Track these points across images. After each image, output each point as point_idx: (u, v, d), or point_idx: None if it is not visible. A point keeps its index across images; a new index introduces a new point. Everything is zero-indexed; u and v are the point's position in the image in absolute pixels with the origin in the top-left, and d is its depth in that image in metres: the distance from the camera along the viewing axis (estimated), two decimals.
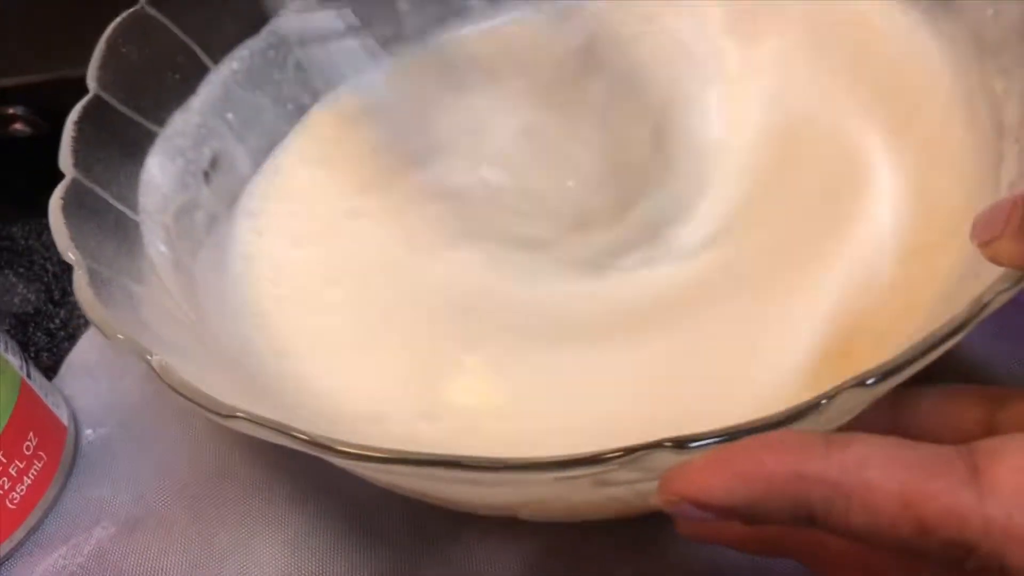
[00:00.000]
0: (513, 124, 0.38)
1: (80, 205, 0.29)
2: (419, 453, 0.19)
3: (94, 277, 0.26)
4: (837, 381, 0.20)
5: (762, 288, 0.31)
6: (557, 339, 0.31)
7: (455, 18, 0.43)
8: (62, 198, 0.28)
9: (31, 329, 0.41)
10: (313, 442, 0.20)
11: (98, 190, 0.30)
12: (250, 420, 0.21)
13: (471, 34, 0.43)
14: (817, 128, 0.34)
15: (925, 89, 0.33)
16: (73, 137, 0.30)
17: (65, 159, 0.29)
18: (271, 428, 0.20)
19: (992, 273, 0.22)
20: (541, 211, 0.36)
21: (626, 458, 0.20)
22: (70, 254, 0.26)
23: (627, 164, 0.36)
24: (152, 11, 0.35)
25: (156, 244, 0.31)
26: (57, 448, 0.34)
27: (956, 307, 0.21)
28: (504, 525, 0.30)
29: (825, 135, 0.34)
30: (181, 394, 0.22)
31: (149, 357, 0.23)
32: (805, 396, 0.20)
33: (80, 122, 0.31)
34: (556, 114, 0.38)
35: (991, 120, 0.31)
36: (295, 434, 0.20)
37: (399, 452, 0.20)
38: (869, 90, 0.34)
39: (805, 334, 0.29)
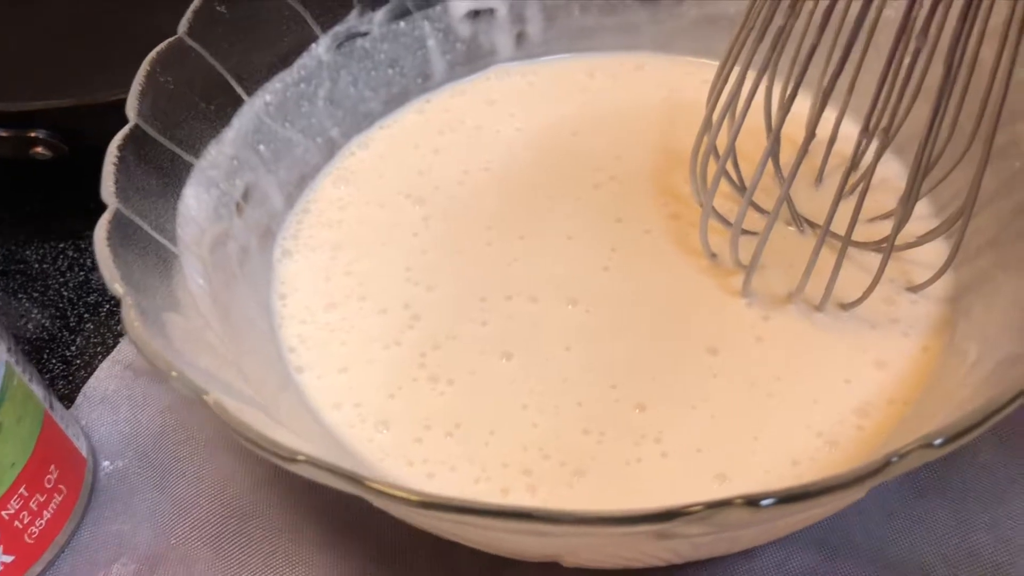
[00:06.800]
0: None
1: (122, 236, 0.28)
2: (491, 504, 0.19)
3: (139, 310, 0.26)
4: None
5: None
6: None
7: (481, 62, 0.44)
8: (107, 230, 0.28)
9: (46, 356, 0.40)
10: (385, 492, 0.19)
11: (138, 221, 0.30)
12: (315, 465, 0.21)
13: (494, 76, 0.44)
14: None
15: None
16: (115, 166, 0.30)
17: (108, 189, 0.29)
18: (341, 475, 0.20)
19: None
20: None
21: (698, 515, 0.20)
22: (117, 286, 0.26)
23: None
24: (190, 41, 0.35)
25: (195, 277, 0.30)
26: (77, 481, 0.34)
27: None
28: (542, 571, 0.29)
29: None
30: (240, 434, 0.22)
31: (206, 396, 0.23)
32: None
33: (120, 151, 0.31)
34: None
35: None
36: (367, 482, 0.20)
37: (472, 503, 0.19)
38: None
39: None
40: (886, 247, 0.31)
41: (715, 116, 0.33)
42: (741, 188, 0.35)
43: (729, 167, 0.35)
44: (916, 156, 0.29)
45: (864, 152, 0.33)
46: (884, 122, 0.30)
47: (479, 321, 0.34)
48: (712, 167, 0.34)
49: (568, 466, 0.29)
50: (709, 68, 0.35)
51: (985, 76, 0.29)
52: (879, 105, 0.29)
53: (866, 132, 0.30)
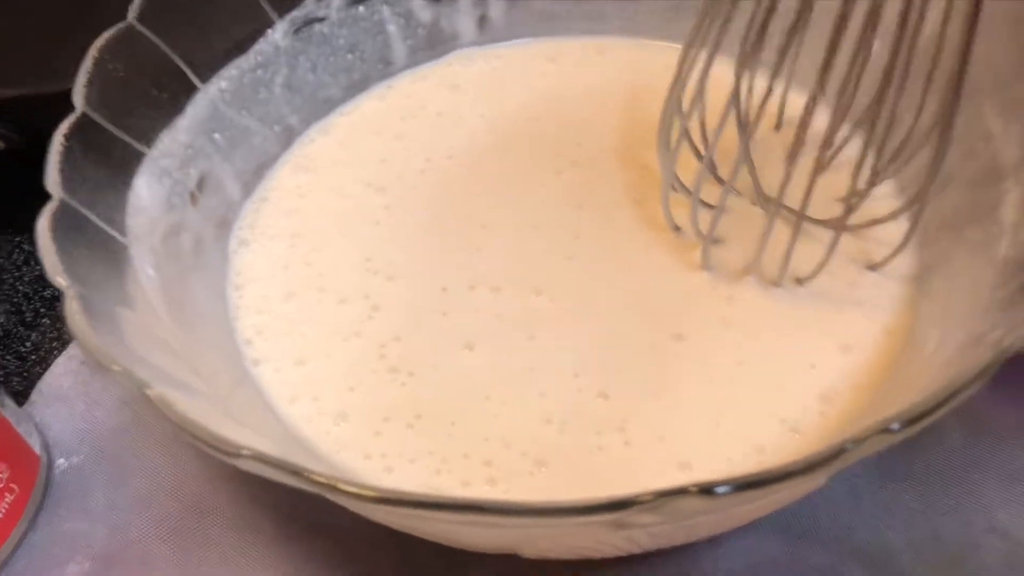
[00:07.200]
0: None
1: (68, 227, 0.28)
2: (442, 497, 0.19)
3: (84, 303, 0.25)
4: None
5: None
6: None
7: (443, 47, 0.43)
8: (50, 220, 0.27)
9: (0, 351, 0.39)
10: (329, 485, 0.19)
11: (85, 211, 0.29)
12: (259, 460, 0.20)
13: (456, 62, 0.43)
14: None
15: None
16: (60, 156, 0.29)
17: (52, 179, 0.28)
18: (284, 469, 0.19)
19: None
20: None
21: (652, 504, 0.19)
22: (59, 279, 0.25)
23: None
24: (141, 27, 0.34)
25: (145, 268, 0.30)
26: (30, 479, 0.33)
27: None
28: (503, 564, 0.29)
29: None
30: (184, 429, 0.21)
31: (148, 391, 0.22)
32: None
33: (67, 140, 0.30)
34: None
35: (987, 161, 0.31)
36: (310, 476, 0.19)
37: (421, 496, 0.19)
38: None
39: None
40: (838, 224, 0.31)
41: (683, 73, 0.33)
42: (709, 164, 0.35)
43: (697, 140, 0.34)
44: (866, 132, 0.29)
45: (834, 132, 0.33)
46: (837, 89, 0.29)
47: (440, 311, 0.33)
48: (678, 135, 0.33)
49: (529, 456, 0.29)
50: (674, 52, 0.34)
51: (949, 58, 0.28)
52: (829, 69, 0.29)
53: (823, 94, 0.30)
